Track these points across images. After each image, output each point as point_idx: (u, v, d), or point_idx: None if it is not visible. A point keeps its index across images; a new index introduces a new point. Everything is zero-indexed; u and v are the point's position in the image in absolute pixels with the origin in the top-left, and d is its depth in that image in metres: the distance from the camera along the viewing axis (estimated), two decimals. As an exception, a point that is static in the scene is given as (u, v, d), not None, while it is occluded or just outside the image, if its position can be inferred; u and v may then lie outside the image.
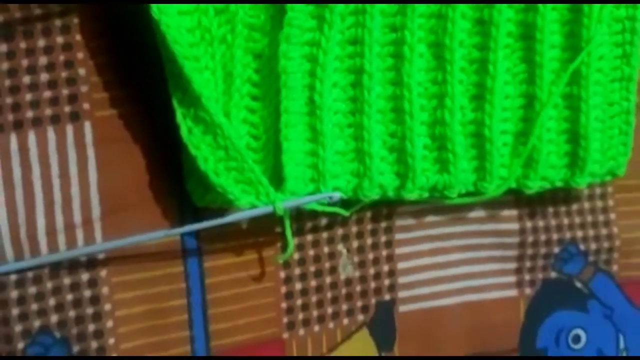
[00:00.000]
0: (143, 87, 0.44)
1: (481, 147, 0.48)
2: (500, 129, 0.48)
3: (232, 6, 0.42)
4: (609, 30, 0.49)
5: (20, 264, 0.43)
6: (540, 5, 0.46)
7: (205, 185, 0.43)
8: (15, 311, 0.43)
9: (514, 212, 0.53)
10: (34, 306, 0.43)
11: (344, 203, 0.47)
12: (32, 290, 0.43)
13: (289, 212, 0.44)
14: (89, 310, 0.44)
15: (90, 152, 0.44)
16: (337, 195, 0.45)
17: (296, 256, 0.49)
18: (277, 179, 0.45)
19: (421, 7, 0.45)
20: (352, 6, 0.44)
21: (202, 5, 0.41)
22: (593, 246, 0.55)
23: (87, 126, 0.44)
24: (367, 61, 0.44)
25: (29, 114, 0.42)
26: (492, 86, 0.47)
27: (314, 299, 0.49)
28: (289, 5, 0.42)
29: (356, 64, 0.45)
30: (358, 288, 0.51)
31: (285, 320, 0.49)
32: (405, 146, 0.46)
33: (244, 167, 0.42)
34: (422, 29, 0.46)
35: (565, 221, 0.54)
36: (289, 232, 0.45)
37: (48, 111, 0.43)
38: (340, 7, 0.43)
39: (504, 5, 0.46)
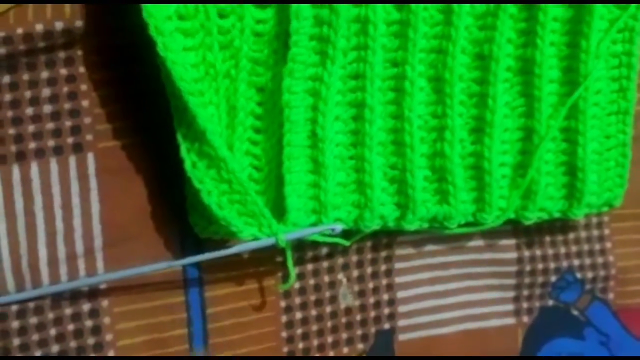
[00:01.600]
0: (146, 118, 0.44)
1: (480, 179, 0.48)
2: (500, 162, 0.48)
3: (237, 41, 0.42)
4: (606, 65, 0.49)
5: (21, 295, 0.43)
6: (538, 41, 0.47)
7: (208, 217, 0.43)
8: (16, 341, 0.43)
9: (512, 242, 0.53)
10: (35, 336, 0.43)
11: (345, 232, 0.47)
12: (33, 320, 0.43)
13: (291, 243, 0.45)
14: (90, 341, 0.44)
15: (93, 183, 0.44)
16: (339, 227, 0.45)
17: (297, 285, 0.49)
18: (279, 210, 0.45)
19: (421, 42, 0.45)
20: (354, 41, 0.44)
21: (207, 41, 0.41)
22: (589, 274, 0.55)
23: (90, 157, 0.44)
24: (369, 95, 0.45)
25: (32, 145, 0.43)
26: (491, 119, 0.47)
27: (314, 327, 0.49)
28: (292, 41, 0.42)
29: (358, 97, 0.45)
30: (358, 317, 0.51)
31: (285, 349, 0.49)
32: (406, 178, 0.46)
33: (247, 200, 0.43)
34: (422, 64, 0.46)
35: (562, 250, 0.55)
36: (290, 264, 0.45)
37: (51, 142, 0.43)
38: (342, 43, 0.43)
39: (503, 40, 0.46)
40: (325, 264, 0.50)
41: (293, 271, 0.45)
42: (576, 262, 0.55)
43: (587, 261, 0.55)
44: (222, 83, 0.43)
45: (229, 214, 0.43)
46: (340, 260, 0.50)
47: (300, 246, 0.48)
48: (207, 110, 0.42)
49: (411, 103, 0.46)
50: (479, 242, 0.53)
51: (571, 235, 0.55)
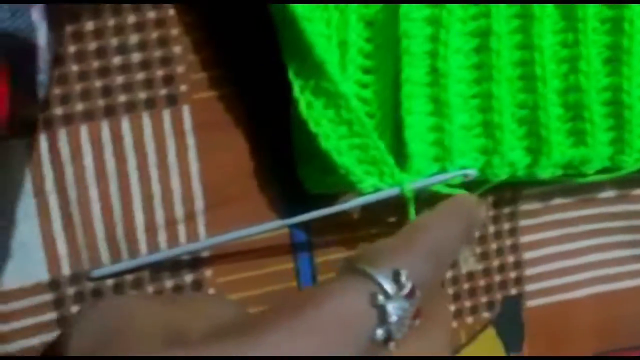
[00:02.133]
0: (245, 65, 0.40)
1: (619, 115, 0.43)
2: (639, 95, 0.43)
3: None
4: None
5: (117, 266, 0.39)
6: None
7: (323, 167, 0.39)
8: None
9: None
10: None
11: (464, 185, 0.42)
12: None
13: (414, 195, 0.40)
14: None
15: (190, 139, 0.40)
16: (473, 172, 0.40)
17: (413, 249, 0.44)
18: (397, 159, 0.40)
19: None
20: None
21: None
22: None
23: (186, 110, 0.40)
24: (495, 21, 0.40)
25: (122, 98, 0.39)
26: (629, 47, 0.42)
27: (435, 295, 0.45)
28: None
29: (481, 25, 0.40)
30: (482, 282, 0.46)
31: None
32: (538, 117, 0.42)
33: (367, 145, 0.38)
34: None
35: None
36: (413, 218, 0.40)
37: (142, 95, 0.39)
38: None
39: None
40: (441, 223, 0.45)
41: (415, 229, 0.41)
42: None
43: None
44: (333, 13, 0.38)
45: (349, 161, 0.38)
46: (458, 219, 0.45)
47: (417, 203, 0.43)
48: (323, 41, 0.37)
49: (541, 29, 0.41)
50: (610, 193, 0.47)
51: None
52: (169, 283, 0.40)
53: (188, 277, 0.40)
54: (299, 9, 0.36)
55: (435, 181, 0.40)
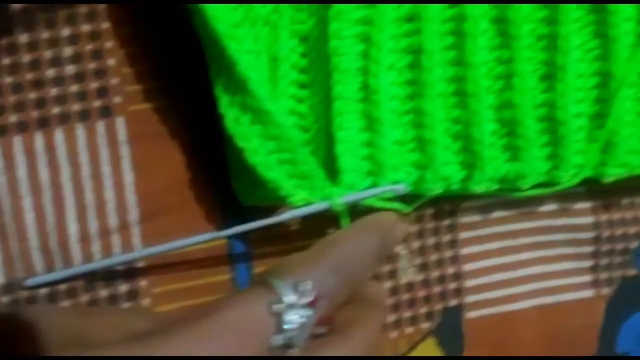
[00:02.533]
0: (180, 77, 0.41)
1: (554, 131, 0.44)
2: (575, 111, 0.44)
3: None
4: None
5: (51, 275, 0.40)
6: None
7: (254, 181, 0.40)
8: None
9: (587, 205, 0.49)
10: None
11: (403, 199, 0.43)
12: (65, 305, 0.40)
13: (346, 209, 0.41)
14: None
15: (125, 150, 0.41)
16: (402, 187, 0.41)
17: (352, 260, 0.45)
18: (330, 173, 0.41)
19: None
20: (408, -22, 0.40)
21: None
22: (674, 239, 0.51)
23: (120, 122, 0.40)
24: (427, 39, 0.41)
25: (55, 110, 0.39)
26: (563, 64, 0.43)
27: (373, 305, 0.45)
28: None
29: (413, 42, 0.41)
30: (421, 293, 0.47)
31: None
32: (472, 132, 0.42)
33: (297, 160, 0.39)
34: (484, 2, 0.42)
35: (643, 213, 0.51)
36: None
37: (76, 106, 0.40)
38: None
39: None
40: (382, 235, 0.46)
41: (348, 241, 0.41)
42: (658, 225, 0.51)
43: (672, 224, 0.51)
44: (262, 30, 0.39)
45: (278, 176, 0.39)
46: (398, 231, 0.46)
47: (352, 216, 0.44)
48: (248, 58, 0.38)
49: (474, 47, 0.41)
50: (551, 207, 0.48)
51: (652, 195, 0.51)
52: (103, 292, 0.41)
53: (123, 287, 0.41)
54: (221, 27, 0.37)
55: (365, 196, 0.40)
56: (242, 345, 0.32)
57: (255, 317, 0.33)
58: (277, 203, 0.41)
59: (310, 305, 0.34)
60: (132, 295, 0.41)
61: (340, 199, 0.40)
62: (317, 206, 0.40)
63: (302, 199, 0.40)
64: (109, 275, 0.41)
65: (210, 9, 0.37)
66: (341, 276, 0.37)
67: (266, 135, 0.39)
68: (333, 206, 0.40)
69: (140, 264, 0.41)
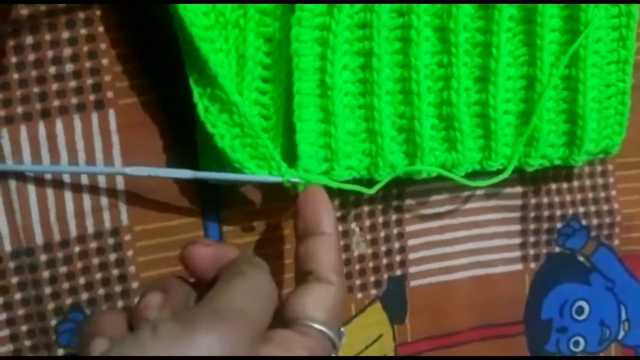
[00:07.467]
0: (163, 75, 0.45)
1: (486, 126, 0.49)
2: (504, 109, 0.49)
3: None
4: (606, 13, 0.50)
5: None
6: (540, -11, 0.47)
7: (220, 161, 0.44)
8: (45, 274, 0.45)
9: (517, 190, 0.54)
10: (65, 285, 0.45)
11: (362, 183, 0.48)
12: (62, 270, 0.45)
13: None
14: (115, 272, 0.47)
15: (115, 138, 0.45)
16: (297, 180, 0.45)
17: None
18: (290, 158, 0.46)
19: (427, -8, 0.46)
20: (361, -9, 0.45)
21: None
22: (595, 222, 0.56)
23: (112, 114, 0.45)
24: (376, 44, 0.46)
25: (56, 102, 0.44)
26: (495, 68, 0.48)
27: (328, 275, 0.50)
28: (300, -10, 0.43)
29: (365, 46, 0.46)
30: (370, 264, 0.52)
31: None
32: (414, 126, 0.47)
33: (258, 143, 0.44)
34: (427, 13, 0.47)
35: (568, 198, 0.55)
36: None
37: (74, 100, 0.44)
38: (349, -8, 0.44)
39: (506, -11, 0.47)
40: (338, 213, 0.51)
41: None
42: (581, 209, 0.56)
43: (592, 208, 0.56)
44: (232, 32, 0.44)
45: (242, 157, 0.44)
46: (352, 211, 0.51)
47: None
48: (218, 57, 0.43)
49: (417, 52, 0.47)
50: (484, 191, 0.53)
51: (576, 184, 0.56)
52: (93, 245, 0.46)
53: (110, 240, 0.46)
54: (195, 30, 0.42)
55: (269, 180, 0.45)
56: None
57: None
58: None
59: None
60: (118, 247, 0.46)
61: (290, 177, 0.44)
62: (272, 178, 0.44)
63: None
64: (98, 235, 0.46)
65: (186, 15, 0.41)
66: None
67: (232, 123, 0.43)
68: (284, 182, 0.44)
69: (127, 238, 0.46)
